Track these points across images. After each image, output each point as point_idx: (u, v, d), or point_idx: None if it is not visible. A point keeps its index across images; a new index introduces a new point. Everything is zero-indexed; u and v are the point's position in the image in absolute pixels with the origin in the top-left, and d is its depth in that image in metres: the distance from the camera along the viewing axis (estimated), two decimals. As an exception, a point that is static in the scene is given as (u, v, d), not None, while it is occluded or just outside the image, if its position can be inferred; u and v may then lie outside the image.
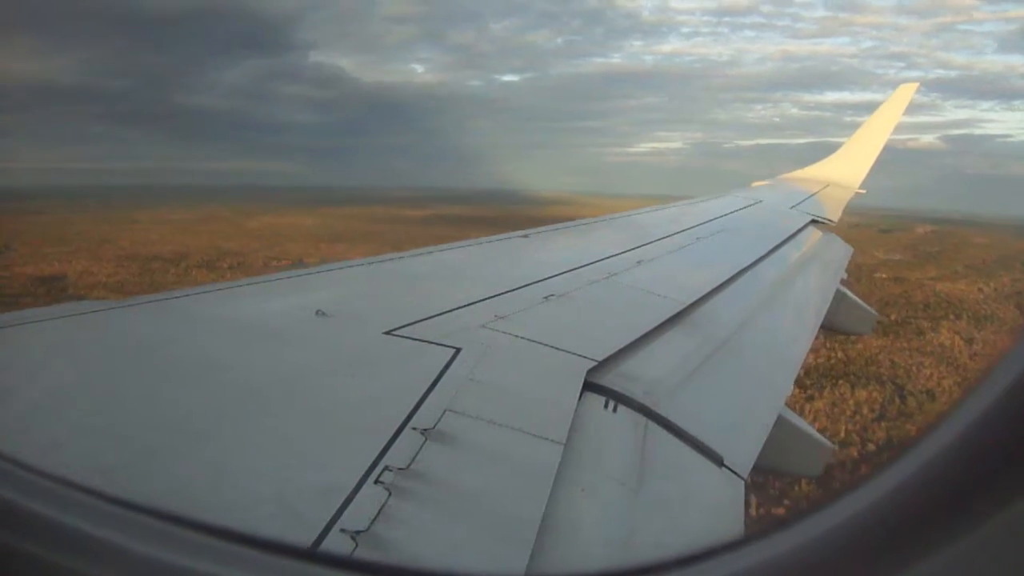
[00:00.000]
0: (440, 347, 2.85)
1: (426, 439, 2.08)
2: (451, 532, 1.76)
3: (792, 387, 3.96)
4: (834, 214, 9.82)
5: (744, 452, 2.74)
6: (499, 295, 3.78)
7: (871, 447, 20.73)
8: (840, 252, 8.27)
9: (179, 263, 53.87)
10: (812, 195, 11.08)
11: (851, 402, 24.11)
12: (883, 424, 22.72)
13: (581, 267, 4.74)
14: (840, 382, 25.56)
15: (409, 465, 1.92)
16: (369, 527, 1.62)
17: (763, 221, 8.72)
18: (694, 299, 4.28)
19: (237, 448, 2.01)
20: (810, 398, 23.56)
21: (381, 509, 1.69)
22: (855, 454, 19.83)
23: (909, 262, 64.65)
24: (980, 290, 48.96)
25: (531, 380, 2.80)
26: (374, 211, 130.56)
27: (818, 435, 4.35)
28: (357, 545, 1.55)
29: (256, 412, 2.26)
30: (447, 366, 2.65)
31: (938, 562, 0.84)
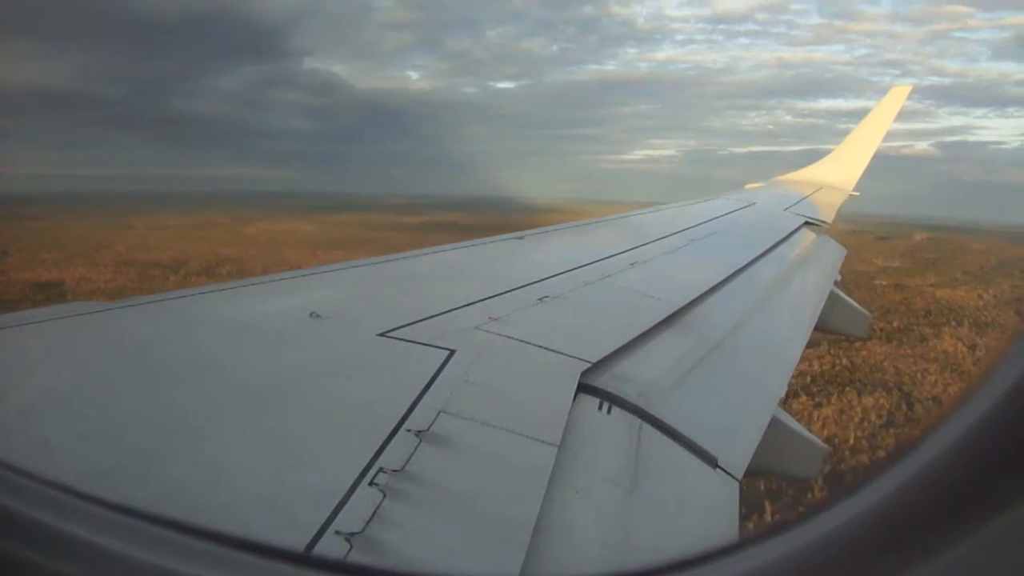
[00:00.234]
0: (434, 349, 2.84)
1: (420, 441, 2.08)
2: (446, 534, 1.76)
3: (786, 388, 3.95)
4: (828, 216, 9.84)
5: (738, 453, 2.74)
6: (493, 297, 3.77)
7: (881, 453, 20.69)
8: (834, 254, 8.28)
9: (178, 270, 53.58)
10: (805, 197, 11.09)
11: (859, 409, 24.06)
12: (891, 431, 22.69)
13: (575, 268, 4.73)
14: (847, 389, 25.54)
15: (404, 467, 1.92)
16: (364, 529, 1.62)
17: (756, 223, 8.70)
18: (688, 300, 4.29)
19: (231, 450, 2.01)
20: (818, 405, 23.55)
21: (376, 511, 1.70)
22: (866, 460, 19.79)
23: (908, 269, 64.77)
24: (980, 296, 49.06)
25: (525, 382, 2.79)
26: (370, 218, 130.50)
27: (812, 436, 4.38)
28: (352, 547, 1.55)
29: (250, 414, 2.25)
30: (441, 368, 2.65)
31: (938, 565, 0.83)
